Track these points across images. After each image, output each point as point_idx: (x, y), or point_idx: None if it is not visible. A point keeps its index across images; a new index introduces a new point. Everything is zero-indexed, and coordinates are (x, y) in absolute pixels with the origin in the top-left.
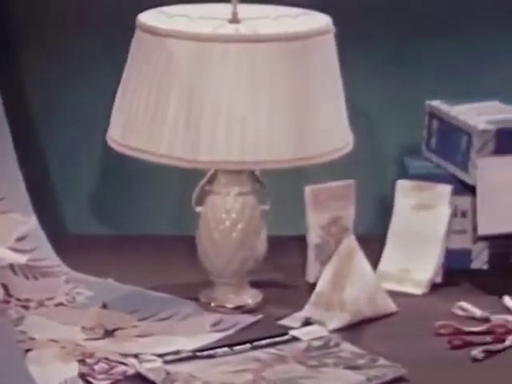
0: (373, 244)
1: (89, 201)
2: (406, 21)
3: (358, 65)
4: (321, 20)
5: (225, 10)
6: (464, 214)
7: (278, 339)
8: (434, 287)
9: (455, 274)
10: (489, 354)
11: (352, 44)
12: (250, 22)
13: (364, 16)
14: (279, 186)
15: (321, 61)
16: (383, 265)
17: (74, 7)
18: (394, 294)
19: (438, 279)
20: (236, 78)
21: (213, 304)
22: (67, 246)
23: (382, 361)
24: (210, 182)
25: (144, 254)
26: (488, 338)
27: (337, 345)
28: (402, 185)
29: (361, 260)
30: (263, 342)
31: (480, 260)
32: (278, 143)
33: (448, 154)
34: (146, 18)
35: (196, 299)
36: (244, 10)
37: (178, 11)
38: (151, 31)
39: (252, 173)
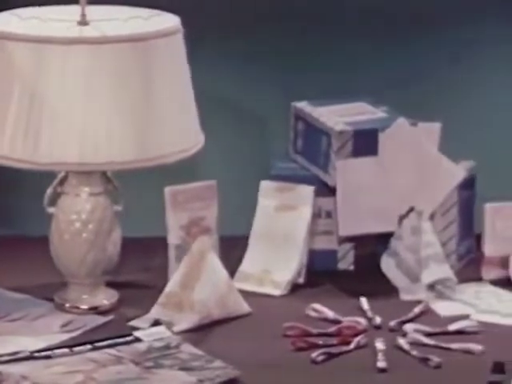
0: (242, 245)
1: None
2: (275, 21)
3: (239, 65)
4: (170, 21)
5: (78, 11)
6: (329, 215)
7: (119, 340)
8: (296, 288)
9: (320, 274)
10: (330, 356)
11: (227, 45)
12: (99, 24)
13: (234, 17)
14: (146, 187)
15: (167, 62)
16: (244, 266)
17: None
18: (252, 295)
19: (301, 280)
20: (75, 79)
21: (67, 305)
22: None
23: (217, 363)
24: (62, 183)
25: (7, 254)
26: (334, 340)
27: (177, 346)
28: (265, 186)
29: (212, 261)
30: (104, 343)
31: (346, 261)
32: (118, 145)
33: (311, 155)
34: None
35: (53, 300)
36: (97, 11)
37: (31, 13)
38: None
39: (104, 174)
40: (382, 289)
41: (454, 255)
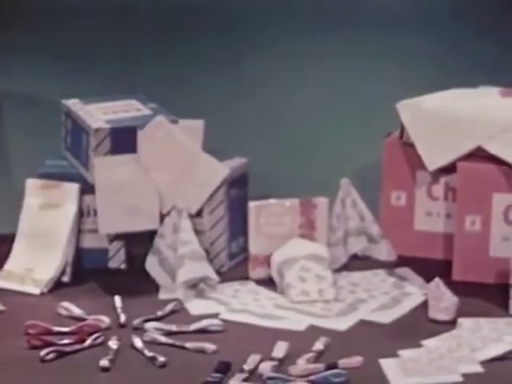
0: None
1: None
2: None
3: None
4: None
5: None
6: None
7: None
8: (60, 287)
9: (90, 273)
10: (60, 354)
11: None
12: None
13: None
14: None
15: None
16: (9, 264)
17: None
18: (14, 294)
19: (66, 278)
20: None
21: None
22: None
23: None
24: None
25: None
26: (71, 339)
27: None
28: (31, 184)
29: None
30: None
31: (117, 259)
32: None
33: (76, 153)
34: None
35: None
36: None
37: None
38: None
39: None
40: (148, 287)
41: (225, 253)
